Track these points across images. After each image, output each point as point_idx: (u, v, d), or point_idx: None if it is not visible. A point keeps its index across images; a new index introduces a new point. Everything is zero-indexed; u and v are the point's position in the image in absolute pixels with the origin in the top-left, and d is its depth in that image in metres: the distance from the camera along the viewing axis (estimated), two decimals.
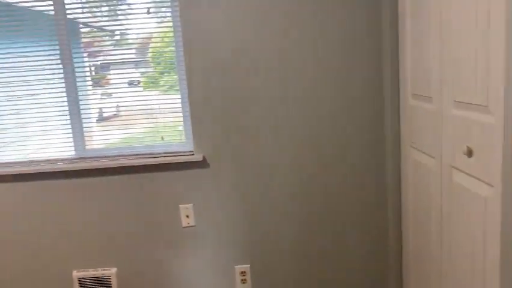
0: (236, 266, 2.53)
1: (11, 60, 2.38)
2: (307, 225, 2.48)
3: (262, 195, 2.46)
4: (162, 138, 2.48)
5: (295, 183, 2.44)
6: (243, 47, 2.32)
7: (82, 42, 2.46)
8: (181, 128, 2.48)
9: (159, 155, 2.44)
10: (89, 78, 2.48)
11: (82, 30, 2.48)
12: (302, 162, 2.42)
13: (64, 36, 2.38)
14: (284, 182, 2.44)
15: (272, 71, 2.34)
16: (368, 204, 2.46)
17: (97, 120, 2.53)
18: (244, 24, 2.30)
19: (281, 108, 2.37)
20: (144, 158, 2.43)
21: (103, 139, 2.53)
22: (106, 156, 2.47)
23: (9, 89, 2.43)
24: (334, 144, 2.41)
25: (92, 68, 2.51)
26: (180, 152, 2.45)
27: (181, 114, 2.45)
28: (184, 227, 2.50)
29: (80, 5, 2.40)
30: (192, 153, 2.43)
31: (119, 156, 2.45)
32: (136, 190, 2.46)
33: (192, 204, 2.47)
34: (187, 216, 2.48)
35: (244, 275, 2.53)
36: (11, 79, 2.41)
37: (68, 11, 2.36)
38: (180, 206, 2.47)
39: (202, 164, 2.42)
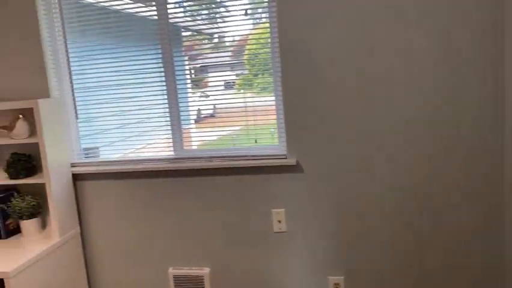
0: (329, 277, 2.39)
1: (119, 63, 2.53)
2: (414, 238, 2.26)
3: (358, 202, 2.30)
4: (256, 141, 2.44)
5: (397, 190, 2.24)
6: (340, 47, 2.18)
7: (183, 46, 2.53)
8: (273, 130, 2.42)
9: (252, 158, 2.41)
10: (188, 81, 2.54)
11: (183, 33, 2.54)
12: (406, 168, 2.21)
13: (166, 40, 2.45)
14: (384, 189, 2.25)
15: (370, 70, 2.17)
16: (486, 216, 2.16)
17: (194, 121, 2.58)
18: (343, 24, 2.17)
19: (381, 109, 2.19)
20: (237, 160, 2.42)
21: (199, 139, 2.58)
22: (201, 157, 2.50)
23: (115, 91, 2.57)
24: (451, 144, 2.16)
25: (192, 71, 2.56)
26: (273, 155, 2.39)
27: (274, 116, 2.39)
28: (276, 232, 2.43)
29: (181, 9, 2.46)
30: (284, 156, 2.36)
31: (214, 157, 2.47)
32: (230, 191, 2.46)
33: (284, 209, 2.39)
34: (279, 222, 2.41)
35: (338, 287, 2.39)
36: (118, 82, 2.56)
37: (170, 16, 2.43)
38: (272, 210, 2.41)
39: (296, 168, 2.34)
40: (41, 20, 2.47)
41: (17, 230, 2.51)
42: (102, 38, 2.54)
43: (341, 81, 2.22)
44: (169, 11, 2.43)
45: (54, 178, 2.39)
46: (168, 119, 2.54)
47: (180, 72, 2.49)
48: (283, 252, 2.44)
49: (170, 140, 2.56)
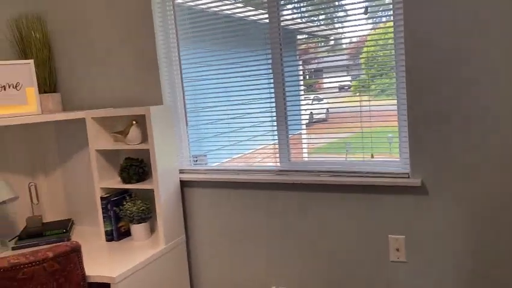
0: None
1: (227, 69, 2.45)
2: None
3: (495, 235, 1.87)
4: (372, 156, 2.16)
5: None
6: (480, 48, 1.80)
7: (294, 49, 2.36)
8: (392, 136, 2.11)
9: (367, 175, 2.13)
10: (297, 87, 2.36)
11: (294, 37, 2.38)
12: None
13: (276, 43, 2.31)
14: None
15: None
16: None
17: (305, 125, 2.40)
18: (481, 21, 1.78)
19: None
20: (349, 176, 2.16)
21: (309, 145, 2.39)
22: (309, 171, 2.30)
23: (223, 97, 2.50)
24: None
25: (302, 75, 2.39)
26: (392, 174, 2.08)
27: (394, 123, 2.08)
28: (393, 261, 2.12)
29: (294, 12, 2.29)
30: (407, 175, 2.03)
31: (322, 172, 2.25)
32: (340, 210, 2.21)
33: (404, 237, 2.07)
34: (397, 250, 2.09)
35: None
36: (226, 87, 2.48)
37: (282, 19, 2.28)
38: (389, 236, 2.10)
39: (420, 190, 2.00)
40: (156, 28, 2.51)
41: (128, 233, 2.57)
42: (211, 44, 2.49)
43: (481, 83, 1.83)
44: (281, 13, 2.28)
45: (163, 184, 2.39)
46: (275, 126, 2.38)
47: (290, 78, 2.33)
48: (400, 285, 2.11)
49: (277, 149, 2.40)
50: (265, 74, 2.37)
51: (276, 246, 2.42)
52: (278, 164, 2.42)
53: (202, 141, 2.67)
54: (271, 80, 2.36)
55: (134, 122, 2.39)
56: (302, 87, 2.38)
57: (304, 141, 2.42)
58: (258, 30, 2.35)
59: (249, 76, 2.41)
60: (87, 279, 2.04)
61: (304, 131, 2.41)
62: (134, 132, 2.39)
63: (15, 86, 2.52)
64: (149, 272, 2.26)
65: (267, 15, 2.30)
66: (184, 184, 2.60)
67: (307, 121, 2.40)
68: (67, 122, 2.81)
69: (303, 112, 2.38)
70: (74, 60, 2.77)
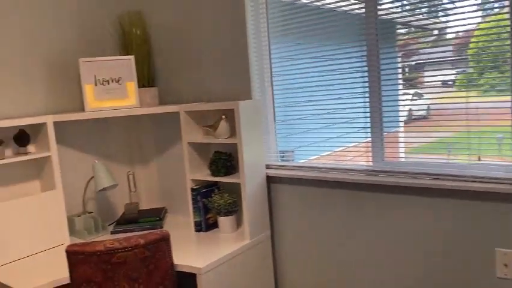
0: None
1: (318, 63, 2.36)
2: None
3: None
4: (479, 159, 1.93)
5: None
6: None
7: (394, 42, 2.20)
8: (502, 137, 1.87)
9: (472, 179, 1.91)
10: (395, 82, 2.20)
11: (392, 29, 2.21)
12: None
13: (372, 36, 2.17)
14: None
15: None
16: None
17: (404, 123, 2.23)
18: None
19: None
20: (451, 180, 1.95)
21: (405, 147, 2.21)
22: (404, 172, 2.13)
23: (313, 92, 2.42)
24: None
25: (401, 70, 2.21)
26: (502, 179, 1.84)
27: (507, 122, 1.84)
28: (500, 278, 1.88)
29: (394, 4, 2.13)
30: None
31: (420, 174, 2.06)
32: (437, 218, 2.01)
33: None
34: (505, 265, 1.85)
35: None
36: (316, 82, 2.40)
37: (379, 10, 2.14)
38: (497, 250, 1.87)
39: None
40: (248, 21, 2.50)
41: (215, 225, 2.61)
42: (302, 37, 2.42)
43: None
44: (379, 3, 2.13)
45: (249, 179, 2.38)
46: (369, 123, 2.25)
47: (387, 71, 2.17)
48: None
49: (370, 148, 2.26)
50: (358, 68, 2.24)
51: (362, 249, 2.29)
52: (370, 163, 2.28)
53: (290, 137, 2.62)
54: (366, 74, 2.22)
55: (223, 117, 2.41)
56: (400, 82, 2.21)
57: (401, 139, 2.25)
58: (351, 22, 2.23)
59: (340, 70, 2.30)
60: (175, 268, 2.10)
61: (401, 129, 2.24)
62: (223, 126, 2.41)
63: (117, 81, 2.68)
64: (233, 265, 2.27)
65: (363, 5, 2.17)
66: (270, 180, 2.57)
67: (405, 118, 2.23)
68: (163, 115, 2.93)
69: (400, 108, 2.21)
70: (170, 56, 2.88)
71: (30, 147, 2.53)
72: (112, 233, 2.68)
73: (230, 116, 2.49)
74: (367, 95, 2.23)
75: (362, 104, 2.26)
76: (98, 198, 2.87)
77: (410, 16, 2.11)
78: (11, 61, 2.48)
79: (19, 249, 2.34)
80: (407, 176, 2.11)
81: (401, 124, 2.24)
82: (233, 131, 2.49)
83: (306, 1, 2.36)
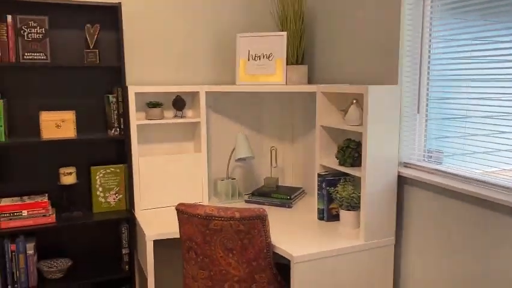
0: None
1: (500, 50, 1.88)
2: None
3: None
4: None
5: None
6: None
7: None
8: None
9: None
10: None
11: None
12: None
13: None
14: None
15: None
16: None
17: None
18: None
19: None
20: None
21: None
22: None
23: (483, 88, 1.94)
24: None
25: None
26: None
27: None
28: None
29: None
30: None
31: None
32: None
33: None
34: None
35: None
36: (494, 75, 1.91)
37: None
38: None
39: None
40: None
41: (338, 217, 2.44)
42: (478, 16, 1.95)
43: None
44: None
45: (372, 174, 2.12)
46: None
47: None
48: None
49: None
50: None
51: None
52: None
53: (441, 138, 2.18)
54: None
55: (354, 101, 2.19)
56: None
57: None
58: None
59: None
60: (272, 249, 2.07)
61: None
62: (352, 111, 2.19)
63: (268, 57, 2.73)
64: (337, 264, 2.09)
65: None
66: (404, 181, 2.23)
67: None
68: (312, 95, 2.86)
69: None
70: (322, 35, 2.75)
71: (189, 112, 2.84)
72: (246, 201, 2.81)
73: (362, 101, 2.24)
74: None
75: None
76: (244, 167, 3.04)
77: None
78: (183, 35, 2.81)
79: (164, 199, 2.69)
80: None
81: None
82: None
83: None
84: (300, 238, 2.19)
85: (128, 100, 2.50)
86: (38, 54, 2.37)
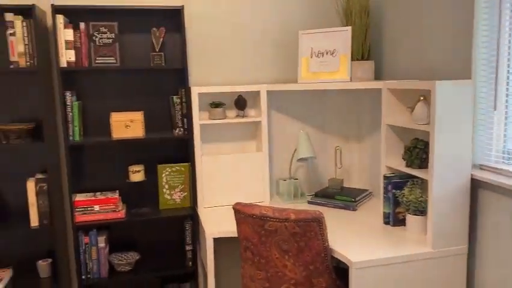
0: None
1: None
2: None
3: None
4: None
5: None
6: None
7: None
8: None
9: None
10: None
11: None
12: None
13: None
14: None
15: None
16: None
17: None
18: None
19: None
20: None
21: None
22: None
23: None
24: None
25: None
26: None
27: None
28: None
29: None
30: None
31: None
32: None
33: None
34: None
35: None
36: None
37: None
38: None
39: None
40: None
41: (404, 221, 2.29)
42: None
43: None
44: None
45: (442, 177, 1.95)
46: None
47: None
48: None
49: None
50: None
51: None
52: None
53: None
54: None
55: (421, 98, 2.03)
56: None
57: None
58: None
59: None
60: (330, 253, 1.99)
61: None
62: (419, 109, 2.03)
63: (332, 53, 2.63)
64: (401, 272, 1.95)
65: None
66: (478, 184, 2.02)
67: None
68: (380, 92, 2.71)
69: None
70: (390, 27, 2.60)
71: (251, 111, 2.84)
72: (308, 202, 2.74)
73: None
74: None
75: None
76: (308, 167, 2.97)
77: None
78: (245, 34, 2.81)
79: (226, 197, 2.72)
80: None
81: None
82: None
83: None
84: (362, 243, 2.08)
85: (191, 101, 2.56)
86: (108, 58, 2.50)
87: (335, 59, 2.62)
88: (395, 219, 2.31)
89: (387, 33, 2.66)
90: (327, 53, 2.64)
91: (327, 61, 2.64)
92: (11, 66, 2.31)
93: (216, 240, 2.91)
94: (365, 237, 2.15)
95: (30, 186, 2.43)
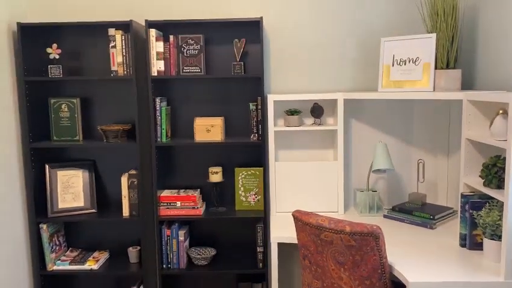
0: None
1: None
2: None
3: None
4: None
5: None
6: None
7: None
8: None
9: None
10: None
11: None
12: None
13: None
14: None
15: None
16: None
17: None
18: None
19: None
20: None
21: None
22: None
23: None
24: None
25: None
26: None
27: None
28: None
29: None
30: None
31: None
32: None
33: None
34: None
35: None
36: None
37: None
38: None
39: None
40: None
41: (481, 245, 2.08)
42: None
43: None
44: None
45: None
46: None
47: None
48: None
49: None
50: None
51: None
52: None
53: None
54: None
55: (500, 112, 1.84)
56: None
57: None
58: None
59: None
60: (389, 269, 1.91)
61: None
62: (497, 123, 1.84)
63: (414, 61, 2.51)
64: None
65: None
66: None
67: None
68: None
69: None
70: (485, 33, 2.37)
71: (330, 120, 2.83)
72: (384, 216, 2.64)
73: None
74: None
75: None
76: (388, 179, 2.86)
77: None
78: (323, 42, 2.82)
79: (298, 204, 2.75)
80: None
81: None
82: None
83: None
84: (429, 263, 1.96)
85: (266, 108, 2.65)
86: (194, 67, 2.72)
87: (418, 67, 2.49)
88: (471, 242, 2.12)
89: (481, 38, 2.44)
90: (409, 61, 2.52)
91: (408, 69, 2.52)
92: (112, 75, 2.66)
93: (288, 246, 2.95)
94: (433, 258, 2.02)
95: (124, 180, 2.76)
